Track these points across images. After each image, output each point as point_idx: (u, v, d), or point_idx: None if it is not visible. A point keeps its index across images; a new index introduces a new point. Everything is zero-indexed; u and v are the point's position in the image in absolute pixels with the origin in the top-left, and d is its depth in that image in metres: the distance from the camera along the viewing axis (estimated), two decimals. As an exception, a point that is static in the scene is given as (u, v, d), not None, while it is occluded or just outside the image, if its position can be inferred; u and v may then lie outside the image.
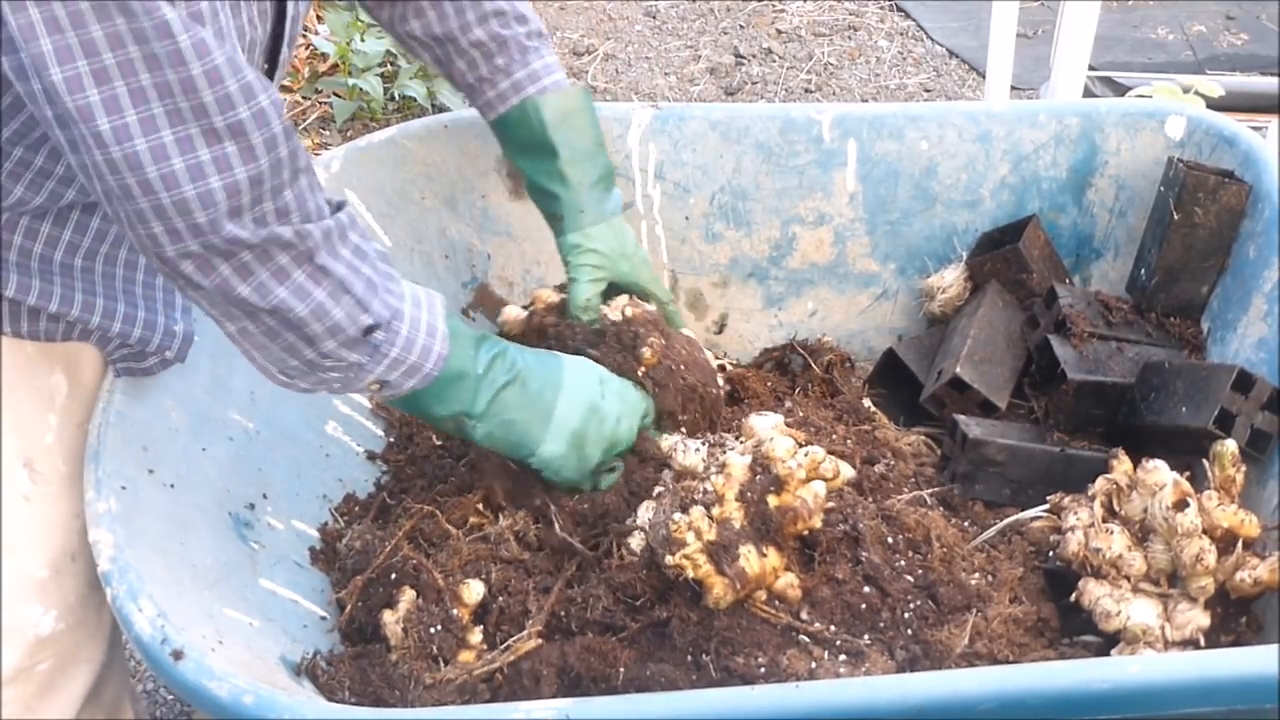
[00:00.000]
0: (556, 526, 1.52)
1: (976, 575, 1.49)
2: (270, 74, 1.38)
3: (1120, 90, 3.44)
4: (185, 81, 1.08)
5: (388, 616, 1.45)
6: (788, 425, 1.57)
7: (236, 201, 1.14)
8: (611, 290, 1.73)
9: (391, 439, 1.82)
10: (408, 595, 1.46)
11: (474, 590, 1.46)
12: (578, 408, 1.49)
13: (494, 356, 1.43)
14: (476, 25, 1.65)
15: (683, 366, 1.61)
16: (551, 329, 1.67)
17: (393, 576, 1.48)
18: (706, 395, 1.63)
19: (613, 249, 1.71)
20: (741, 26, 4.68)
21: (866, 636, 1.40)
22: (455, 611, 1.44)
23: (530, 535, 1.54)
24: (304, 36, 3.98)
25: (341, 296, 1.25)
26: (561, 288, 1.75)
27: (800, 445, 1.48)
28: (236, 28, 1.17)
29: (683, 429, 1.60)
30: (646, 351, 1.59)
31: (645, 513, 1.49)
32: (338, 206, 1.30)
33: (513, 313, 1.74)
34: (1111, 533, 1.47)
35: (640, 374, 1.59)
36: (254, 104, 1.12)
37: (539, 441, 1.48)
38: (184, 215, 1.13)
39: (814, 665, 1.35)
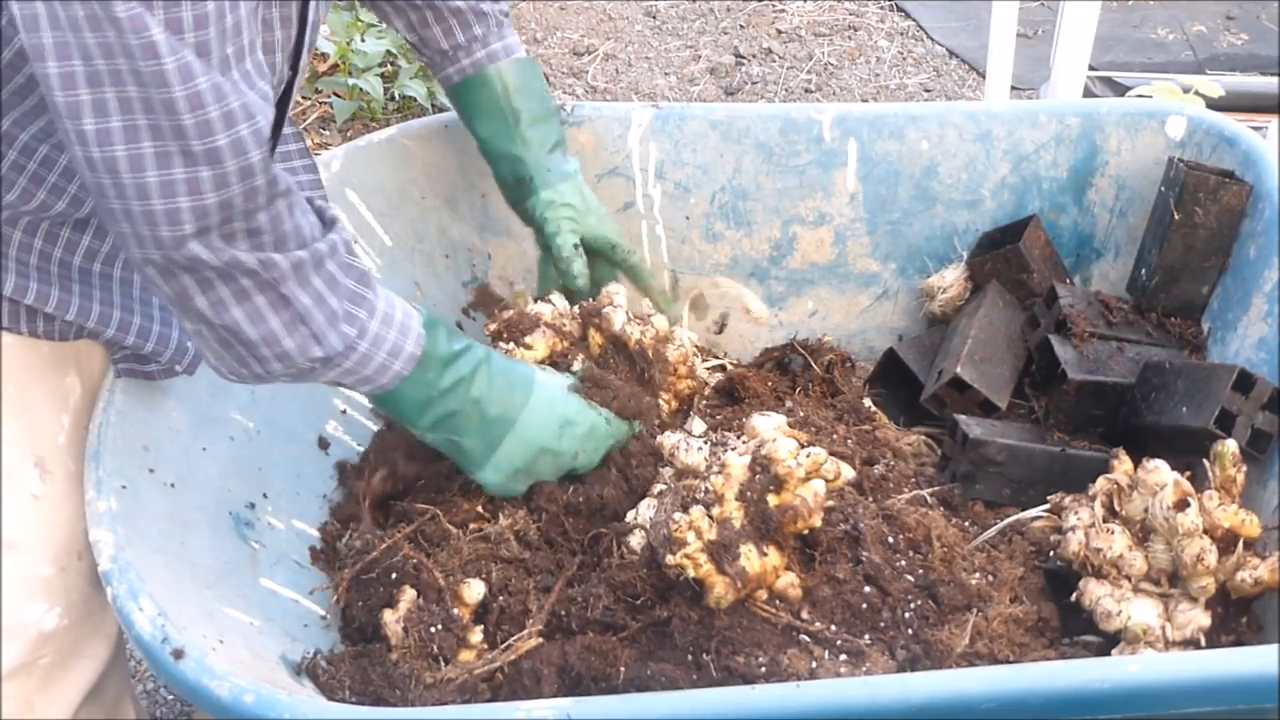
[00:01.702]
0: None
1: (977, 575, 1.49)
2: (292, 79, 1.39)
3: (1120, 90, 3.44)
4: (167, 102, 1.09)
5: (388, 616, 1.45)
6: (789, 426, 1.57)
7: (204, 223, 1.15)
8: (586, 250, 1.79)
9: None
10: (408, 595, 1.46)
11: (474, 589, 1.46)
12: (526, 448, 1.51)
13: (456, 382, 1.44)
14: None
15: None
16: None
17: (393, 576, 1.48)
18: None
19: (581, 204, 1.78)
20: (741, 26, 4.68)
21: (867, 636, 1.40)
22: (456, 611, 1.44)
23: (531, 534, 1.54)
24: (304, 36, 3.98)
25: (298, 327, 1.26)
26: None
27: (802, 446, 1.48)
28: (250, 39, 1.16)
29: None
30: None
31: (646, 511, 1.49)
32: (328, 225, 1.31)
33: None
34: (1112, 533, 1.47)
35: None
36: (233, 132, 1.12)
37: (479, 468, 1.51)
38: (151, 226, 1.14)
39: (815, 665, 1.35)
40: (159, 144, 1.10)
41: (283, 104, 1.41)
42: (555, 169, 1.77)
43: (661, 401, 1.71)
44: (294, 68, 1.37)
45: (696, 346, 1.86)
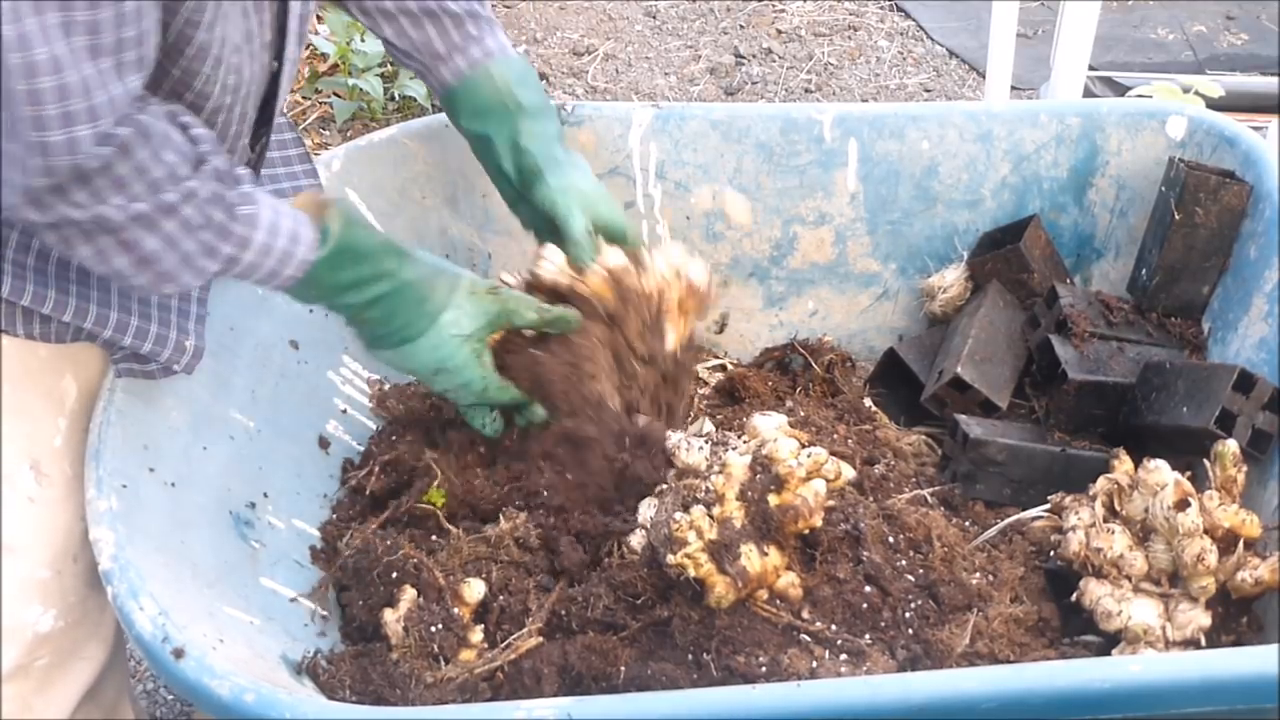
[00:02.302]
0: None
1: (977, 575, 1.49)
2: (278, 72, 1.38)
3: (1120, 90, 3.44)
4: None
5: (388, 615, 1.45)
6: (790, 426, 1.57)
7: (30, 190, 1.13)
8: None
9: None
10: (408, 594, 1.46)
11: (475, 589, 1.46)
12: (409, 364, 1.54)
13: (349, 304, 1.45)
14: None
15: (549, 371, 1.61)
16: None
17: (394, 575, 1.48)
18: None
19: (594, 190, 1.74)
20: (741, 26, 4.68)
21: (868, 636, 1.40)
22: (456, 610, 1.44)
23: (532, 539, 1.54)
24: (304, 36, 3.98)
25: (145, 268, 1.24)
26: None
27: (803, 446, 1.48)
28: (132, 34, 1.12)
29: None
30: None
31: (647, 510, 1.49)
32: (198, 163, 1.24)
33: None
34: (1113, 532, 1.47)
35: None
36: (66, 105, 1.08)
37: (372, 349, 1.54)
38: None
39: (815, 664, 1.35)
40: None
41: (270, 95, 1.40)
42: (564, 158, 1.74)
43: (670, 330, 1.68)
44: (279, 59, 1.37)
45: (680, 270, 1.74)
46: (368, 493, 1.66)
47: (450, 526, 1.56)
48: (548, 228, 1.72)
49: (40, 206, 1.15)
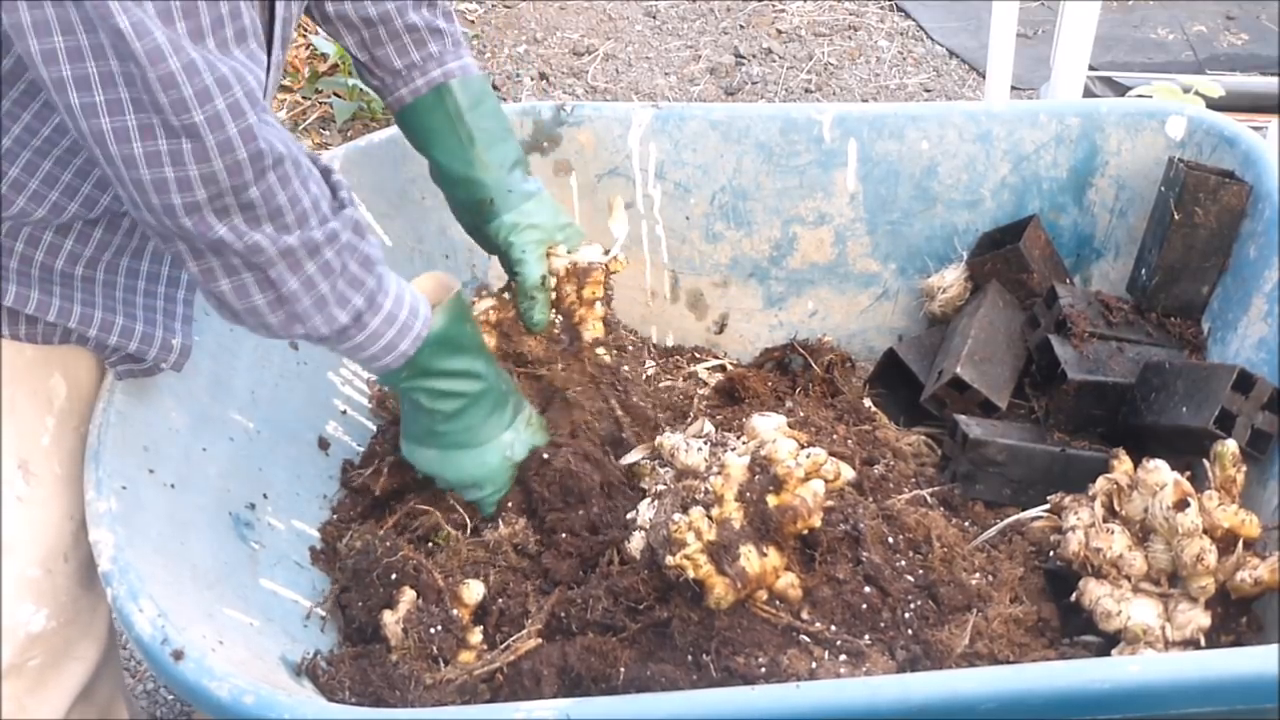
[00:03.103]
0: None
1: (977, 575, 1.49)
2: (268, 59, 1.37)
3: (1120, 90, 3.44)
4: (144, 79, 1.10)
5: (388, 617, 1.45)
6: (789, 426, 1.57)
7: (191, 197, 1.17)
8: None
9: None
10: (408, 595, 1.46)
11: (474, 590, 1.47)
12: (439, 468, 1.58)
13: (443, 393, 1.49)
14: (412, 10, 1.64)
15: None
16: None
17: (393, 576, 1.48)
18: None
19: (549, 222, 1.71)
20: (741, 26, 4.67)
21: (867, 636, 1.39)
22: (455, 612, 1.44)
23: (531, 546, 1.54)
24: (303, 36, 3.98)
25: (281, 307, 1.28)
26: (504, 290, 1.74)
27: (802, 447, 1.48)
28: (228, 10, 1.17)
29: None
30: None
31: (646, 512, 1.49)
32: (338, 206, 1.31)
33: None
34: (1112, 533, 1.47)
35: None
36: (209, 107, 1.13)
37: (408, 442, 1.58)
38: (141, 194, 1.17)
39: (815, 665, 1.35)
40: (141, 116, 1.12)
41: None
42: (517, 189, 1.69)
43: (586, 325, 1.72)
44: (269, 49, 1.37)
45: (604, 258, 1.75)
46: (375, 491, 1.66)
47: (449, 529, 1.56)
48: (505, 262, 1.72)
49: (203, 223, 1.18)
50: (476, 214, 1.70)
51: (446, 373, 1.48)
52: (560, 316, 1.72)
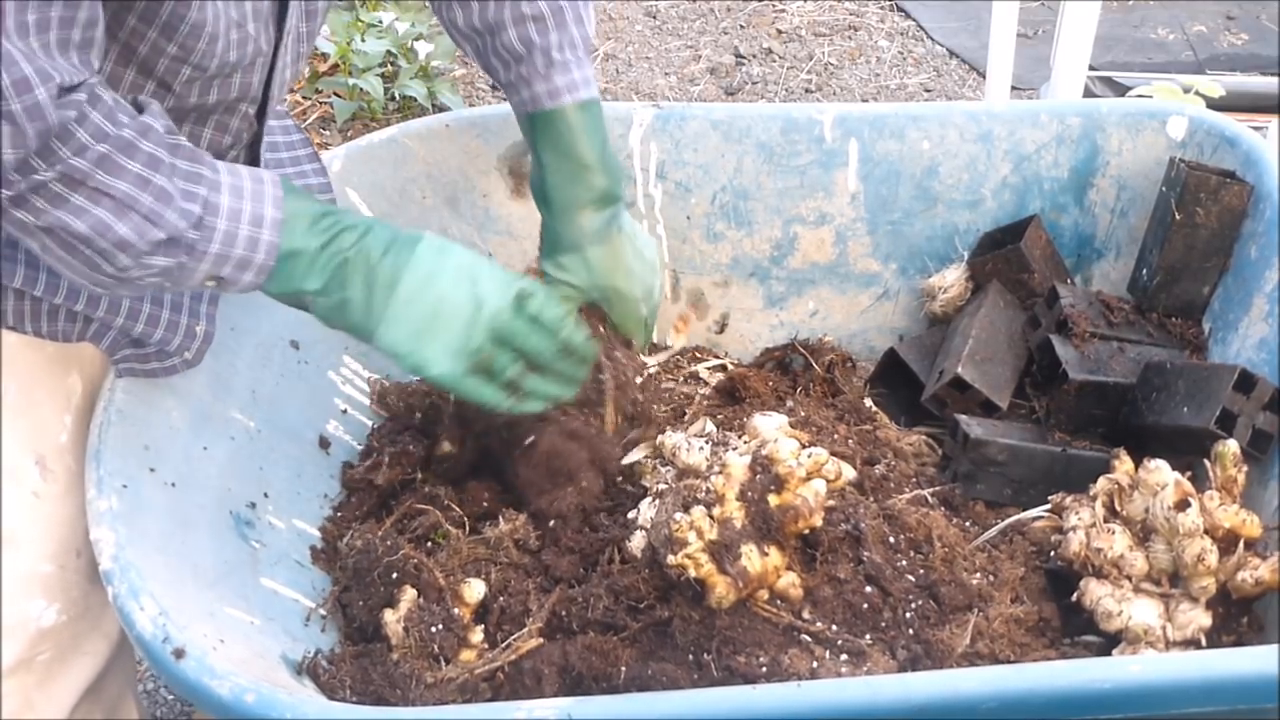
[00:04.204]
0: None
1: (978, 575, 1.49)
2: (278, 41, 1.37)
3: (1120, 90, 3.44)
4: None
5: (389, 616, 1.45)
6: (790, 426, 1.57)
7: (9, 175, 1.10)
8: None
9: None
10: (408, 594, 1.46)
11: (475, 589, 1.47)
12: (424, 292, 1.34)
13: (337, 232, 1.32)
14: (511, 26, 1.57)
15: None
16: None
17: (394, 575, 1.48)
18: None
19: (585, 281, 1.60)
20: (741, 26, 4.68)
21: (868, 636, 1.40)
22: (456, 610, 1.44)
23: (531, 542, 1.54)
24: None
25: (126, 213, 1.17)
26: None
27: (804, 447, 1.48)
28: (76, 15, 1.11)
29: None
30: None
31: (647, 511, 1.49)
32: (138, 109, 1.21)
33: None
34: (1113, 533, 1.47)
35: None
36: (26, 98, 1.06)
37: (376, 323, 1.34)
38: None
39: (815, 665, 1.35)
40: None
41: (271, 68, 1.40)
42: (568, 235, 1.60)
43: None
44: (279, 30, 1.36)
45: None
46: (377, 482, 1.65)
47: (450, 528, 1.56)
48: None
49: (5, 183, 1.11)
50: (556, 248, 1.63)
51: (326, 237, 1.31)
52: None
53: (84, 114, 1.13)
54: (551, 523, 1.56)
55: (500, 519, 1.56)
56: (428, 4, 1.70)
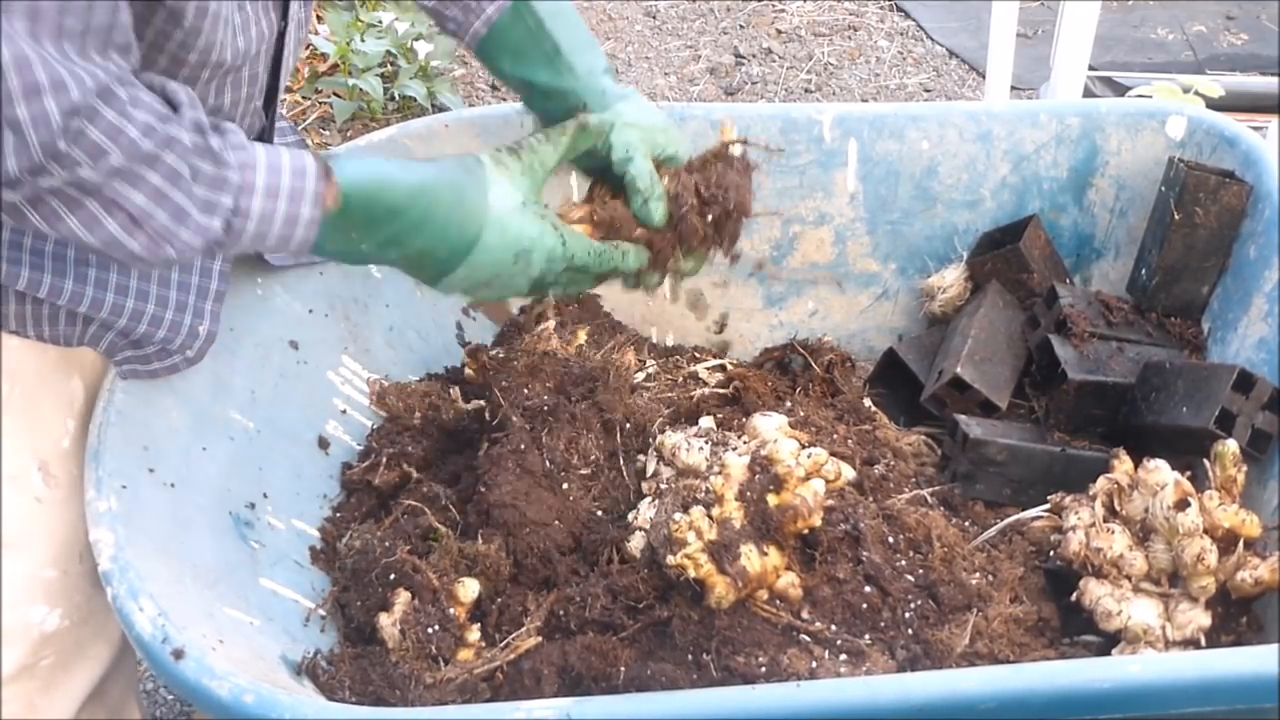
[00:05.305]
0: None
1: (977, 575, 1.49)
2: (284, 28, 1.36)
3: (1120, 90, 3.44)
4: None
5: (384, 619, 1.44)
6: (789, 426, 1.57)
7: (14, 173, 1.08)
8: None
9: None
10: (403, 597, 1.46)
11: (469, 588, 1.46)
12: (479, 273, 1.41)
13: (386, 219, 1.32)
14: None
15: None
16: None
17: (391, 577, 1.48)
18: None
19: (649, 122, 1.59)
20: (741, 26, 4.68)
21: (867, 636, 1.40)
22: (452, 610, 1.44)
23: (506, 566, 1.54)
24: (304, 36, 3.98)
25: (135, 232, 1.15)
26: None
27: (803, 447, 1.48)
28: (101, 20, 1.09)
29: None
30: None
31: (646, 511, 1.49)
32: (171, 113, 1.18)
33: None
34: (1112, 532, 1.47)
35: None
36: (35, 104, 1.04)
37: (433, 283, 1.41)
38: None
39: (815, 665, 1.35)
40: None
41: (277, 55, 1.40)
42: (610, 91, 1.59)
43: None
44: (284, 17, 1.35)
45: None
46: (375, 483, 1.65)
47: (441, 527, 1.55)
48: (602, 168, 1.59)
49: (15, 186, 1.09)
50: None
51: (388, 212, 1.32)
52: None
53: (105, 118, 1.10)
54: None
55: (479, 536, 1.53)
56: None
